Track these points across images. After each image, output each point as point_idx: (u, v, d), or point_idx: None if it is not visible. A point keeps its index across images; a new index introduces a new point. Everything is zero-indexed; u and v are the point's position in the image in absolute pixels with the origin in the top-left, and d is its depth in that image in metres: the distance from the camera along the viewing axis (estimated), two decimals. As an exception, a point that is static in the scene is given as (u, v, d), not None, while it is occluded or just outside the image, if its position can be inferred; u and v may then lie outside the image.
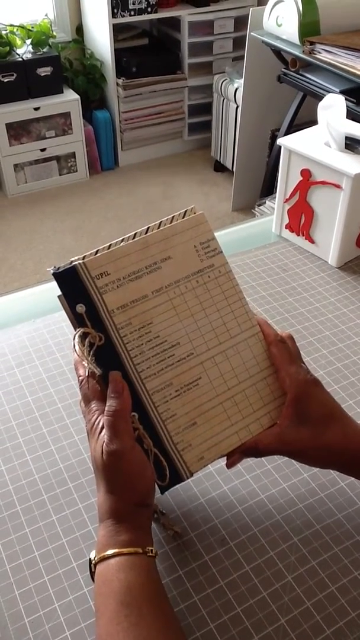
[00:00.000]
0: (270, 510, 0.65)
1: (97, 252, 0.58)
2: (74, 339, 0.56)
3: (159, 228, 0.61)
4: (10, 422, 0.75)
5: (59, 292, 0.57)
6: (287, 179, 1.03)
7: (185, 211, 0.62)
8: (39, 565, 0.61)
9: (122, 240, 0.59)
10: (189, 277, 0.61)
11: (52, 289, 0.57)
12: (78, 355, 0.57)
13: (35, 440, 0.73)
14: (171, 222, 0.61)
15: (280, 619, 0.57)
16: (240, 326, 0.62)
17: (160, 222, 0.61)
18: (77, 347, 0.56)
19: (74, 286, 0.57)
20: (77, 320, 0.57)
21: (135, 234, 0.60)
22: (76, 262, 0.57)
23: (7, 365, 0.83)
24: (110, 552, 0.52)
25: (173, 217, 0.62)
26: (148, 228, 0.60)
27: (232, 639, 0.55)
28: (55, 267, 0.57)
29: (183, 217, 0.62)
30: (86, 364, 0.56)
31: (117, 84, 3.21)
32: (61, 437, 0.73)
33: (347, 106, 0.99)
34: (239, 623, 0.56)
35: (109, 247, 0.59)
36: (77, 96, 3.14)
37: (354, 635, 0.56)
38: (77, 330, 0.56)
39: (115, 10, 2.99)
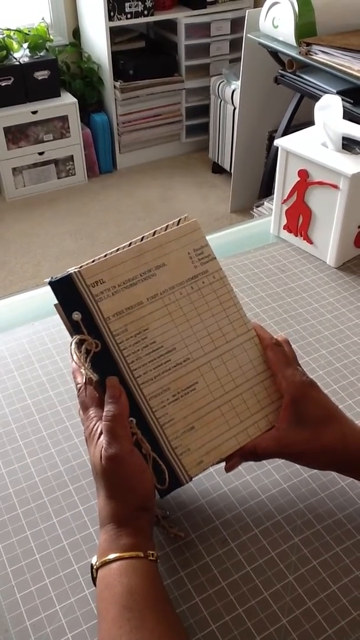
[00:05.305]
0: (271, 510, 0.65)
1: (93, 261, 0.59)
2: (70, 345, 0.57)
3: (153, 236, 0.61)
4: (10, 425, 0.75)
5: (56, 301, 0.57)
6: (284, 180, 1.03)
7: (179, 219, 0.63)
8: (40, 568, 0.61)
9: (118, 250, 0.60)
10: (183, 284, 0.61)
11: (51, 292, 0.58)
12: (75, 363, 0.57)
13: (35, 443, 0.73)
14: (166, 230, 0.62)
15: (281, 619, 0.57)
16: (235, 330, 0.63)
17: (155, 230, 0.62)
18: (74, 354, 0.56)
19: (70, 294, 0.57)
20: (73, 328, 0.57)
21: (130, 243, 0.60)
22: (72, 271, 0.57)
23: (7, 368, 0.83)
24: (111, 556, 0.52)
25: (167, 225, 0.62)
26: (143, 237, 0.61)
27: (234, 640, 0.55)
28: (52, 277, 0.58)
29: (177, 225, 0.62)
30: (83, 371, 0.56)
31: (115, 87, 3.21)
32: (61, 439, 0.73)
33: (344, 107, 0.99)
34: (240, 624, 0.56)
35: (105, 256, 0.59)
36: (74, 99, 3.14)
37: (355, 634, 0.56)
38: (74, 337, 0.57)
39: (112, 14, 3.00)
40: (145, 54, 3.27)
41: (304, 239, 1.05)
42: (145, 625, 0.49)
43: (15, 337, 0.88)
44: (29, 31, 3.04)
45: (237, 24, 3.21)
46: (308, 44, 1.97)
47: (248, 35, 2.32)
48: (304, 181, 1.00)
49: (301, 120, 2.31)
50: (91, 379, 0.57)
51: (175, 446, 0.59)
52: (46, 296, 0.62)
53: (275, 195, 1.06)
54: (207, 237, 0.64)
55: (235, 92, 2.94)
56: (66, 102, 3.13)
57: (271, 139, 2.80)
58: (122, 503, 0.54)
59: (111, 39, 3.09)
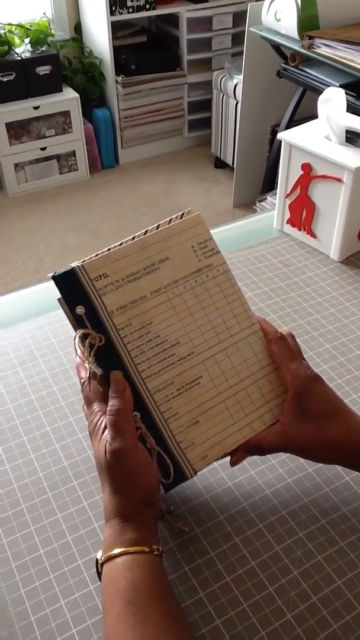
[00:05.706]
0: (276, 505, 0.65)
1: (96, 255, 0.59)
2: (74, 340, 0.56)
3: (157, 230, 0.61)
4: (14, 421, 0.75)
5: (59, 295, 0.57)
6: (287, 174, 1.03)
7: (183, 213, 0.63)
8: (44, 563, 0.61)
9: (121, 244, 0.60)
10: (187, 277, 0.61)
11: (54, 287, 0.57)
12: (79, 357, 0.57)
13: (39, 438, 0.73)
14: (169, 224, 0.61)
15: (286, 614, 0.57)
16: (240, 324, 0.63)
17: (158, 224, 0.61)
18: (77, 349, 0.56)
19: (73, 289, 0.57)
20: (77, 322, 0.57)
21: (133, 237, 0.60)
22: (75, 265, 0.57)
23: (10, 364, 0.83)
24: (116, 551, 0.52)
25: (170, 219, 0.62)
26: (146, 231, 0.61)
27: (238, 635, 0.55)
28: (55, 272, 0.57)
29: (181, 219, 0.62)
30: (87, 365, 0.56)
31: (117, 81, 3.20)
32: (65, 435, 0.73)
33: (347, 100, 0.98)
34: (245, 619, 0.56)
35: (108, 250, 0.59)
36: (76, 94, 3.14)
37: (361, 629, 0.56)
38: (77, 331, 0.57)
39: (114, 8, 2.98)
40: (147, 48, 3.26)
41: (307, 233, 1.05)
42: (150, 620, 0.49)
43: (18, 333, 0.87)
44: (31, 26, 3.03)
45: (239, 18, 3.19)
46: (311, 37, 1.96)
47: (250, 28, 2.31)
48: (308, 175, 0.99)
49: (304, 114, 2.30)
50: (95, 374, 0.57)
51: (180, 440, 0.59)
52: (49, 291, 0.62)
53: (278, 189, 1.06)
54: (210, 232, 0.63)
55: (237, 86, 2.93)
56: (68, 97, 3.12)
57: (274, 133, 2.79)
58: (126, 498, 0.54)
59: (113, 33, 3.08)
